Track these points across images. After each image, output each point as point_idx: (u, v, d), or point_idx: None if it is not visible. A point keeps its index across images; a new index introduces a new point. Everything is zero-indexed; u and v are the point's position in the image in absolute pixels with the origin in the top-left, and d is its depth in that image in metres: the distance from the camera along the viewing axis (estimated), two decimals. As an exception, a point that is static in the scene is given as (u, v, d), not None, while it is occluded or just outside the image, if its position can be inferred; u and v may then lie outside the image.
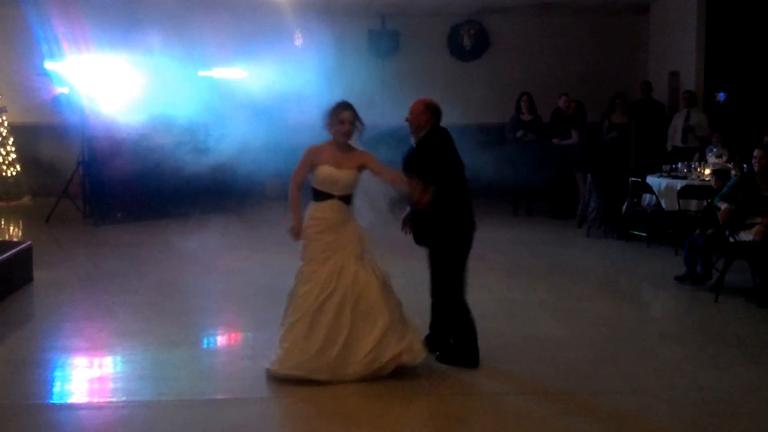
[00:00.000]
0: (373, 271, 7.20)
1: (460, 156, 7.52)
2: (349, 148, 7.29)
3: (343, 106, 7.26)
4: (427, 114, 7.48)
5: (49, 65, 15.63)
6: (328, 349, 7.00)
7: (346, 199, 7.26)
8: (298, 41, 17.57)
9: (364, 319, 7.08)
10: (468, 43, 19.06)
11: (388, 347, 7.05)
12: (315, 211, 7.26)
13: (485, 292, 8.10)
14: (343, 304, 7.07)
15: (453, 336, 7.54)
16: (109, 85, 15.30)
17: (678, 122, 15.62)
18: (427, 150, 7.43)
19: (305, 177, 7.34)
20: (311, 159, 7.28)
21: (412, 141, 7.57)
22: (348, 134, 7.25)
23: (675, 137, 15.63)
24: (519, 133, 15.96)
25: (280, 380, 7.01)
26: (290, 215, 7.35)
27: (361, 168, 7.22)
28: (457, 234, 7.37)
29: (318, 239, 7.21)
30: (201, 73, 16.72)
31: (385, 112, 13.55)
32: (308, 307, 7.08)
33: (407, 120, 7.55)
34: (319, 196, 7.24)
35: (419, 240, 7.57)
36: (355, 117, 7.26)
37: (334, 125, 7.24)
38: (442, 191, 7.15)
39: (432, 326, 7.66)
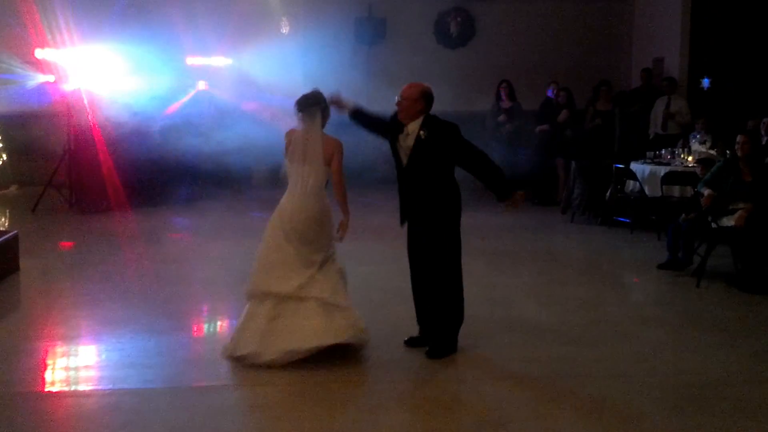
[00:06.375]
0: None
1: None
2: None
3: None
4: (421, 103, 7.20)
5: (37, 53, 15.60)
6: None
7: None
8: (285, 29, 17.57)
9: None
10: (455, 30, 18.97)
11: None
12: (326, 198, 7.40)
13: (468, 276, 8.04)
14: None
15: (445, 326, 7.42)
16: (97, 74, 15.27)
17: (659, 109, 15.67)
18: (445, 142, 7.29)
19: None
20: None
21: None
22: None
23: (656, 124, 15.69)
24: (501, 117, 16.01)
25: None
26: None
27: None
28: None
29: None
30: (189, 62, 16.72)
31: (371, 100, 13.64)
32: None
33: (398, 104, 7.27)
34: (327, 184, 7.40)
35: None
36: None
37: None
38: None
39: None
